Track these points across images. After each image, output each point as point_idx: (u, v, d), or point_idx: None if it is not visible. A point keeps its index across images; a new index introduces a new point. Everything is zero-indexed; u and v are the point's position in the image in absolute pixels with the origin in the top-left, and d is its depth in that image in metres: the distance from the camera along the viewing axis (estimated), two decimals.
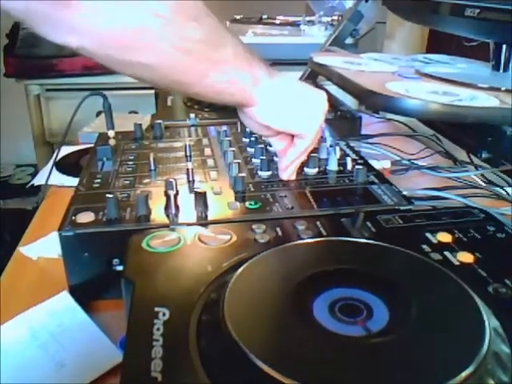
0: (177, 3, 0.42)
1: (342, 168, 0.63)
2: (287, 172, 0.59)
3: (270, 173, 0.60)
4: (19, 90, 1.74)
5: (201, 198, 0.51)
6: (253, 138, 0.70)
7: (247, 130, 0.72)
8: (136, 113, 1.37)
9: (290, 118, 0.56)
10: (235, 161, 0.60)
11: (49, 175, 0.77)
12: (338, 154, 0.65)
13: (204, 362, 0.30)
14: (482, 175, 0.75)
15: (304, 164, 0.62)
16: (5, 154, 2.20)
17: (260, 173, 0.61)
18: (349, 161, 0.63)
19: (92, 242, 0.48)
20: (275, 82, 0.54)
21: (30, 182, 0.84)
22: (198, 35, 0.44)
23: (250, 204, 0.53)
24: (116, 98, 0.89)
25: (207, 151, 0.70)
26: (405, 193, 0.56)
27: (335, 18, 1.48)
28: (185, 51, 0.44)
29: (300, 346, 0.30)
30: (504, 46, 0.75)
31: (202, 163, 0.66)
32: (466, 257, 0.40)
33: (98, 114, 1.10)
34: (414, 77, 0.77)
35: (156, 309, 0.34)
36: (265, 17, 1.75)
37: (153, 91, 1.22)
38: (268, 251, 0.40)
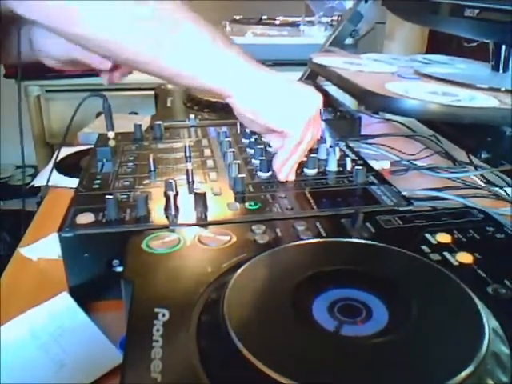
0: None
1: (341, 168, 0.63)
2: (282, 173, 0.59)
3: (269, 173, 0.60)
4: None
5: (200, 199, 0.51)
6: (252, 139, 0.70)
7: (247, 130, 0.72)
8: (136, 114, 1.37)
9: (272, 113, 0.56)
10: (235, 161, 0.60)
11: (49, 176, 0.78)
12: (338, 154, 0.65)
13: (204, 362, 0.30)
14: (482, 175, 0.75)
15: (303, 164, 0.62)
16: (5, 155, 2.20)
17: (260, 173, 0.61)
18: (348, 161, 0.63)
19: (92, 243, 0.48)
20: (258, 75, 0.54)
21: (30, 182, 0.84)
22: (145, 18, 0.46)
23: (250, 205, 0.53)
24: (116, 99, 0.89)
25: (207, 152, 0.70)
26: (404, 193, 0.56)
27: (335, 18, 1.48)
28: (128, 31, 0.47)
29: (299, 347, 0.30)
30: (503, 47, 0.75)
31: (202, 164, 0.66)
32: (465, 257, 0.40)
33: (98, 114, 1.10)
34: (414, 77, 0.77)
35: (156, 310, 0.34)
36: (264, 17, 1.75)
37: (153, 92, 1.22)
38: (268, 252, 0.40)
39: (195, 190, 0.52)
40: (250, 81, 0.54)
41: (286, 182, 0.59)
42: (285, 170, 0.59)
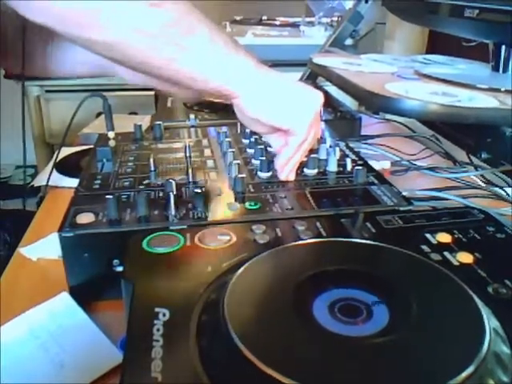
0: None
1: (341, 169, 0.63)
2: (284, 172, 0.59)
3: (269, 174, 0.60)
4: (19, 91, 1.74)
5: (201, 199, 0.51)
6: (253, 139, 0.70)
7: (247, 130, 0.72)
8: (136, 114, 1.37)
9: (279, 112, 0.56)
10: (235, 161, 0.60)
11: (49, 176, 0.77)
12: (338, 154, 0.65)
13: (204, 362, 0.30)
14: (482, 176, 0.75)
15: (304, 165, 0.62)
16: (5, 155, 2.20)
17: (260, 174, 0.61)
18: (348, 161, 0.63)
19: (92, 243, 0.48)
20: (263, 75, 0.55)
21: (30, 182, 0.84)
22: (161, 20, 0.46)
23: (250, 205, 0.53)
24: (116, 99, 0.89)
25: (207, 152, 0.70)
26: (404, 193, 0.56)
27: (335, 18, 1.48)
28: (144, 34, 0.46)
29: (300, 347, 0.30)
30: (503, 47, 0.75)
31: (202, 164, 0.66)
32: (465, 257, 0.40)
33: (98, 115, 1.10)
34: (414, 78, 0.77)
35: (156, 309, 0.34)
36: (265, 18, 1.75)
37: (153, 92, 1.22)
38: (268, 252, 0.40)
39: (195, 190, 0.52)
40: (256, 81, 0.54)
41: (286, 181, 0.59)
42: (287, 169, 0.59)
